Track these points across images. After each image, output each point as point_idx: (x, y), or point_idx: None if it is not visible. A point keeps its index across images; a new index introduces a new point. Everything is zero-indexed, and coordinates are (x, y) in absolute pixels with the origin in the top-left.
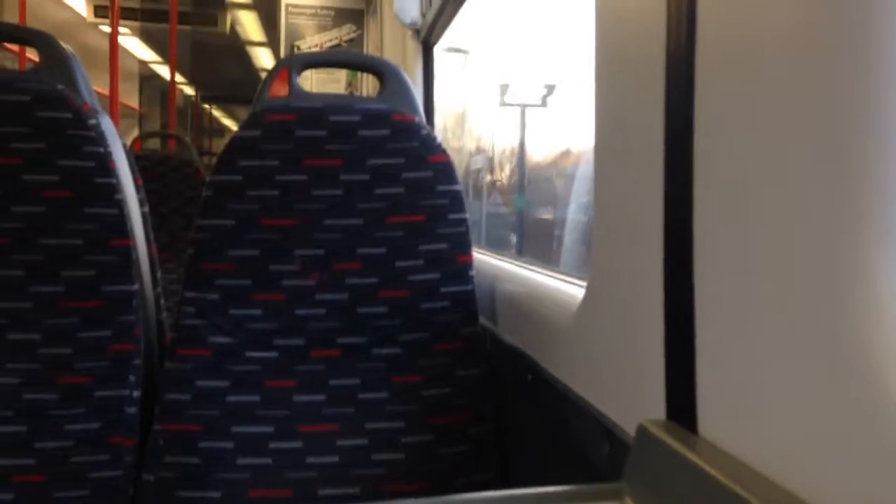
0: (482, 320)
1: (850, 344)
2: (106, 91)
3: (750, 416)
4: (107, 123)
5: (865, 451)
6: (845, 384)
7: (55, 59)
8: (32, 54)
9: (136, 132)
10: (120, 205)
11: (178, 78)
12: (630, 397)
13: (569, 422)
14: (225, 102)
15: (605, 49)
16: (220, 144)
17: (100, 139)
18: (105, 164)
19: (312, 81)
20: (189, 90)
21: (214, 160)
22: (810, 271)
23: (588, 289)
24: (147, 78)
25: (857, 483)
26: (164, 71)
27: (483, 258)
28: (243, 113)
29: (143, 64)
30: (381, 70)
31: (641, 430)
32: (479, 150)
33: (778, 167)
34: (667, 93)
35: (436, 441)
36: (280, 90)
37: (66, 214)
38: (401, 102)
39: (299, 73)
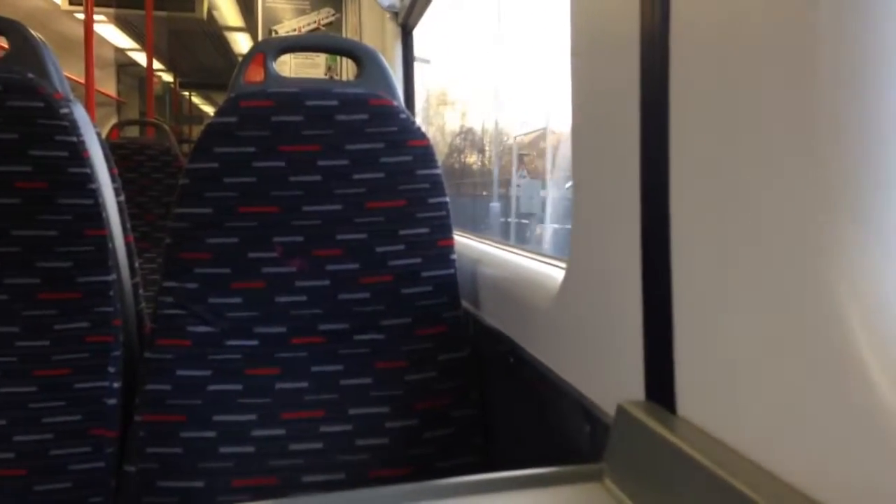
0: (464, 304)
1: (827, 324)
2: (82, 80)
3: (728, 396)
4: (79, 112)
5: (841, 429)
6: (822, 364)
7: (25, 47)
8: (2, 43)
9: (114, 121)
10: (94, 194)
11: (156, 65)
12: (609, 378)
13: (550, 403)
14: (204, 89)
15: (580, 33)
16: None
17: (72, 128)
18: (78, 154)
19: (291, 67)
20: (168, 77)
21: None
22: (786, 253)
23: (567, 271)
24: (124, 66)
25: (834, 461)
26: (141, 58)
27: (464, 241)
28: (222, 99)
29: (120, 51)
30: (358, 54)
31: (621, 411)
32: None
33: (754, 149)
34: (642, 76)
35: (420, 425)
36: (256, 76)
37: (40, 205)
38: (379, 86)
39: (275, 58)
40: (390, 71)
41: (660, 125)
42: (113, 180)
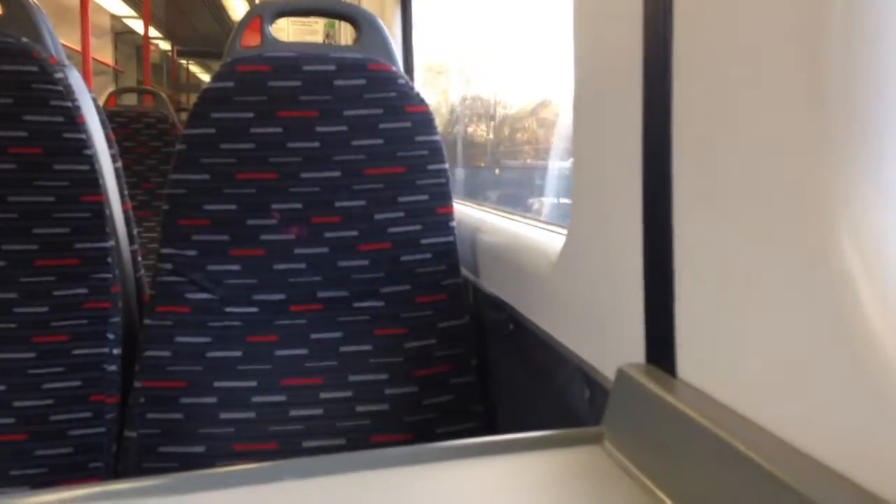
0: (464, 271)
1: (831, 283)
2: (79, 48)
3: (729, 358)
4: (75, 77)
5: (845, 389)
6: (826, 323)
7: (18, 11)
8: None
9: (111, 89)
10: (91, 160)
11: (153, 33)
12: (610, 343)
13: (550, 369)
14: (201, 57)
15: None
16: None
17: (67, 93)
18: (73, 119)
19: (289, 34)
20: (165, 45)
21: None
22: (790, 211)
23: (568, 236)
24: (121, 34)
25: (837, 421)
26: (138, 26)
27: (463, 209)
28: None
29: (117, 19)
30: (355, 17)
31: (621, 374)
32: None
33: (756, 106)
34: (645, 35)
35: (420, 392)
36: (253, 40)
37: (35, 171)
38: (378, 52)
39: (271, 21)
40: (389, 36)
41: (662, 89)
42: (110, 146)
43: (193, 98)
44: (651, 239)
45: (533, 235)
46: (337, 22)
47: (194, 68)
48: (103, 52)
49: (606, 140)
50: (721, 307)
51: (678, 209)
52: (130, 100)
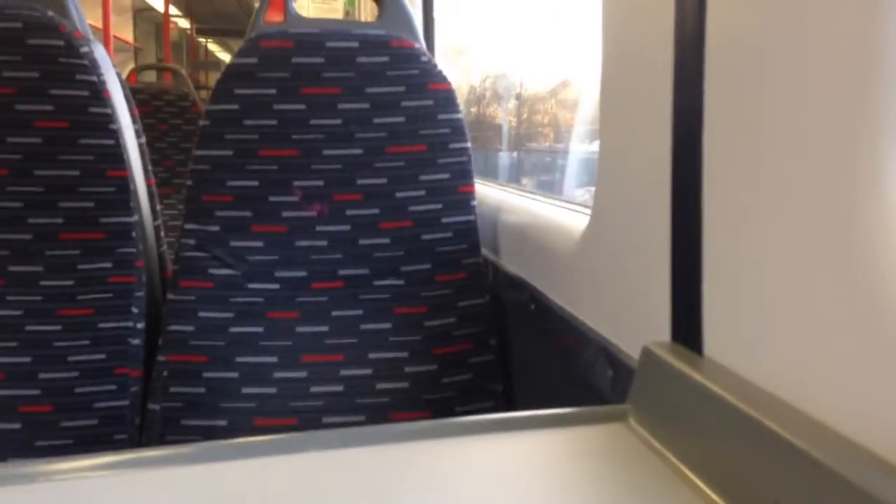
0: (484, 251)
1: (862, 260)
2: (99, 25)
3: (758, 336)
4: (100, 52)
5: (873, 367)
6: (856, 301)
7: None
8: None
9: (131, 66)
10: (116, 135)
11: (173, 10)
12: (635, 322)
13: (572, 349)
14: (221, 35)
15: None
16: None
17: (93, 67)
18: (99, 94)
19: (309, 10)
20: (184, 23)
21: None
22: (822, 186)
23: (593, 214)
24: (140, 11)
25: (868, 399)
26: (158, 3)
27: (484, 190)
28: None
29: None
30: None
31: (646, 353)
32: None
33: (790, 81)
34: (677, 6)
35: (439, 370)
36: (276, 16)
37: (61, 145)
38: (400, 28)
39: None
40: (411, 12)
41: (695, 62)
42: (133, 122)
43: (212, 76)
44: (679, 217)
45: (555, 215)
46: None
47: (212, 46)
48: (123, 30)
49: (635, 116)
50: (751, 285)
51: (708, 184)
52: (149, 77)
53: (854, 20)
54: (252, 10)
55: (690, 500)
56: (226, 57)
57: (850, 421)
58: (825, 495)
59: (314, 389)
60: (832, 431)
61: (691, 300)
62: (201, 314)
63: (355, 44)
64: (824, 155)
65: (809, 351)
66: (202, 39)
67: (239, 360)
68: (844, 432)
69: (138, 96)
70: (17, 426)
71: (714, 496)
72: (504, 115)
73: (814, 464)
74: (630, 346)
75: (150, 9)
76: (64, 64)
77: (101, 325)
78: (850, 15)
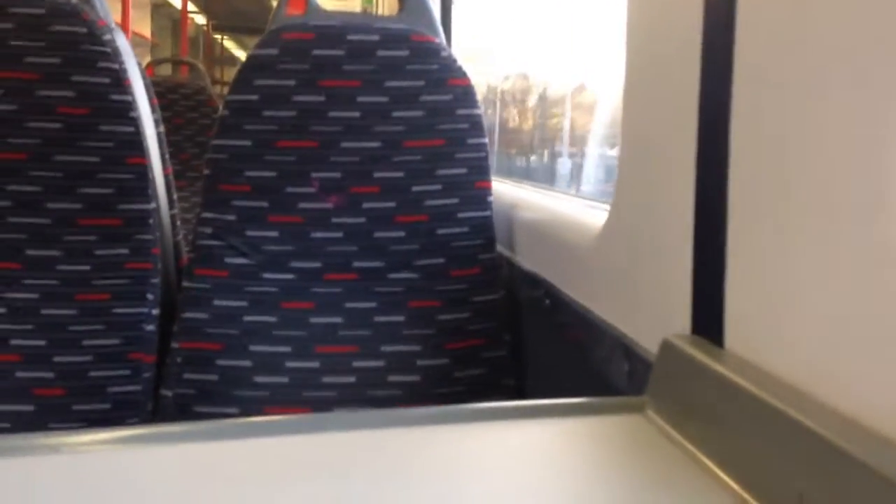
0: (499, 248)
1: (886, 256)
2: (118, 19)
3: (780, 329)
4: (122, 40)
5: None
6: (878, 293)
7: None
8: None
9: (148, 60)
10: (136, 123)
11: (190, 6)
12: (653, 315)
13: (588, 344)
14: (237, 32)
15: None
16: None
17: (115, 55)
18: (120, 81)
19: (327, 6)
20: (200, 19)
21: (227, 90)
22: (844, 180)
23: (613, 208)
24: (158, 6)
25: (892, 391)
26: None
27: (500, 187)
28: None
29: None
30: None
31: (666, 345)
32: None
33: (817, 76)
34: (705, 2)
35: (452, 364)
36: (297, 8)
37: (81, 131)
38: (420, 23)
39: None
40: (432, 7)
41: (723, 52)
42: (153, 111)
43: (228, 71)
44: (703, 210)
45: (572, 211)
46: None
47: (228, 44)
48: (141, 24)
49: (660, 110)
50: (775, 278)
51: (734, 179)
52: (164, 71)
53: (891, 13)
54: (268, 8)
55: (711, 489)
56: (241, 54)
57: (878, 413)
58: (853, 487)
59: (326, 380)
60: (859, 423)
61: (713, 293)
62: (216, 302)
63: (376, 37)
64: (850, 149)
65: (834, 344)
66: (218, 36)
67: (252, 348)
68: (871, 424)
69: (155, 89)
70: (30, 408)
71: (735, 486)
72: (567, 115)
73: (841, 456)
74: (647, 340)
75: (168, 4)
76: (86, 51)
77: (117, 310)
78: (884, 9)
